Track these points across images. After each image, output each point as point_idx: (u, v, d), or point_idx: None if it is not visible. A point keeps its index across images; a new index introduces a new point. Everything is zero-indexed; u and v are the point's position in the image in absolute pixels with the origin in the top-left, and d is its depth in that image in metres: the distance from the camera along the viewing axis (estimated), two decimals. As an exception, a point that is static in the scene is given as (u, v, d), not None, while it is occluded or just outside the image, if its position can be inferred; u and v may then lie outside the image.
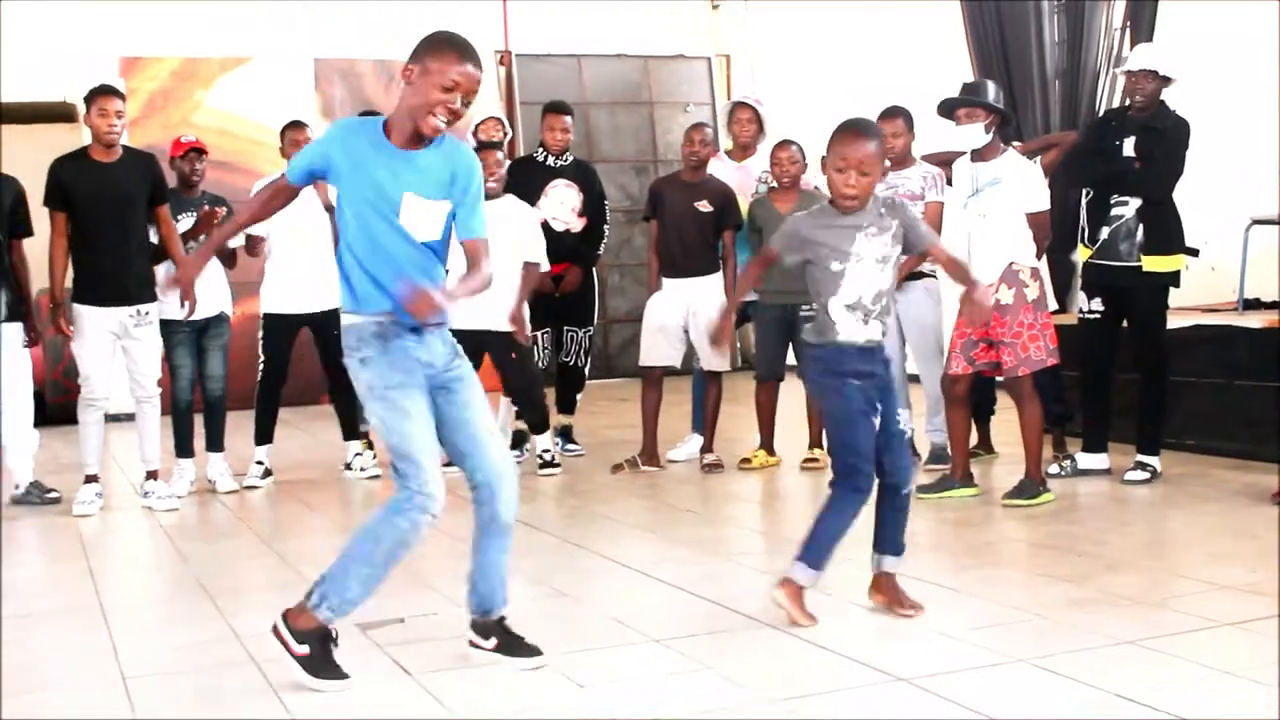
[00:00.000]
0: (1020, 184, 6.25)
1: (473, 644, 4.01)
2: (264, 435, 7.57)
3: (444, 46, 3.74)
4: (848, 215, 4.24)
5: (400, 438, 3.73)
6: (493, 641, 3.98)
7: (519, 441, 8.04)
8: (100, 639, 4.47)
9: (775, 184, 7.37)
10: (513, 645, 3.97)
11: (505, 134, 8.26)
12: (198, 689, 3.82)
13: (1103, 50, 9.38)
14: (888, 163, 4.35)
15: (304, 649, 3.77)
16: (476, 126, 8.25)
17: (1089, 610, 4.35)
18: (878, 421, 4.25)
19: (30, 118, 11.05)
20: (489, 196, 7.23)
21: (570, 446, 8.20)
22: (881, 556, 4.35)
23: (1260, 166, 8.09)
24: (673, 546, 5.66)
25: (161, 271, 7.03)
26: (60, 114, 11.61)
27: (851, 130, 4.25)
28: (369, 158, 3.76)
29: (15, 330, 7.17)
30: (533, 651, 3.95)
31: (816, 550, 4.24)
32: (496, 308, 7.17)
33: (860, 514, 4.27)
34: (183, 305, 6.59)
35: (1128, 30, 9.07)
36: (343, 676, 3.78)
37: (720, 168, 7.72)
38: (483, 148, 7.62)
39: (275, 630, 3.82)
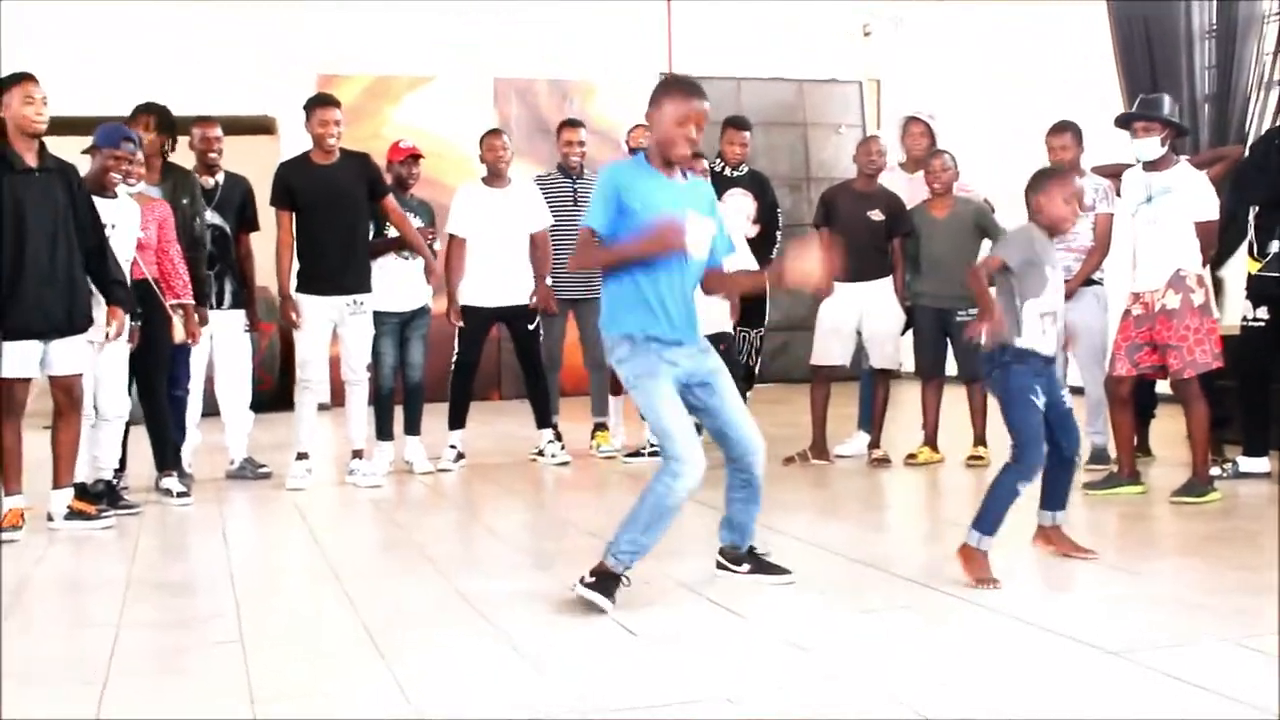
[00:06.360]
0: (1192, 194, 6.14)
1: (722, 567, 4.61)
2: (458, 420, 7.67)
3: (672, 88, 4.25)
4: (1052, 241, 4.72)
5: (655, 416, 4.20)
6: (745, 566, 4.57)
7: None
8: (338, 596, 4.56)
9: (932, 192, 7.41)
10: (765, 566, 4.58)
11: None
12: (436, 644, 3.88)
13: (1254, 75, 9.16)
14: None
15: (591, 580, 4.22)
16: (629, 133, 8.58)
17: (1272, 596, 4.24)
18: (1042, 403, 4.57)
19: (235, 130, 11.33)
20: None
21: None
22: (1054, 513, 4.79)
23: None
24: (855, 530, 5.64)
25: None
26: (262, 127, 11.93)
27: (1062, 171, 4.91)
28: (653, 191, 4.21)
29: (238, 317, 7.36)
30: (783, 571, 4.56)
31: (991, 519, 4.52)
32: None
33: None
34: (429, 280, 7.35)
35: (1279, 56, 8.85)
36: (608, 596, 4.17)
37: (893, 179, 7.67)
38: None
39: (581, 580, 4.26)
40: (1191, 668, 3.43)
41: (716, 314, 7.31)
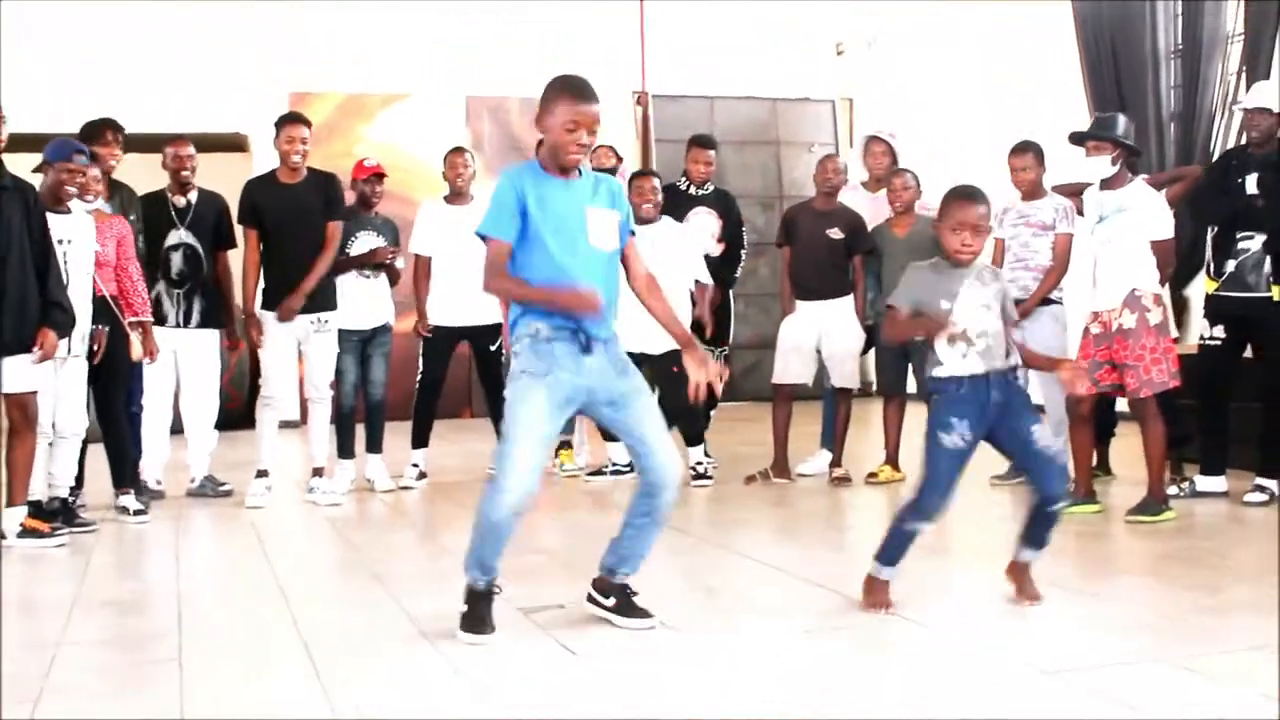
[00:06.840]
0: (1146, 212, 6.15)
1: (591, 599, 4.26)
2: (420, 439, 7.65)
3: (561, 91, 4.01)
4: (959, 269, 4.31)
5: (511, 419, 3.97)
6: (611, 601, 4.22)
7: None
8: (282, 616, 4.53)
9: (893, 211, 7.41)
10: (628, 608, 4.20)
11: (619, 161, 8.21)
12: (376, 665, 3.87)
13: (1218, 95, 9.21)
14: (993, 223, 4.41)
15: (464, 608, 4.10)
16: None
17: (1224, 616, 4.25)
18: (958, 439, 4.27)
19: (207, 147, 11.30)
20: (647, 221, 7.23)
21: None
22: (1022, 548, 4.46)
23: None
24: (809, 549, 5.63)
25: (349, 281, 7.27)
26: (234, 144, 11.91)
27: (965, 195, 4.30)
28: (546, 192, 4.00)
29: (211, 336, 7.34)
30: (645, 615, 4.18)
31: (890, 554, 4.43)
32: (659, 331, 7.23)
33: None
34: (283, 319, 6.99)
35: (1243, 74, 8.89)
36: (483, 631, 4.04)
37: (855, 197, 7.69)
38: (639, 175, 7.71)
39: None
40: (1124, 688, 3.42)
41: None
